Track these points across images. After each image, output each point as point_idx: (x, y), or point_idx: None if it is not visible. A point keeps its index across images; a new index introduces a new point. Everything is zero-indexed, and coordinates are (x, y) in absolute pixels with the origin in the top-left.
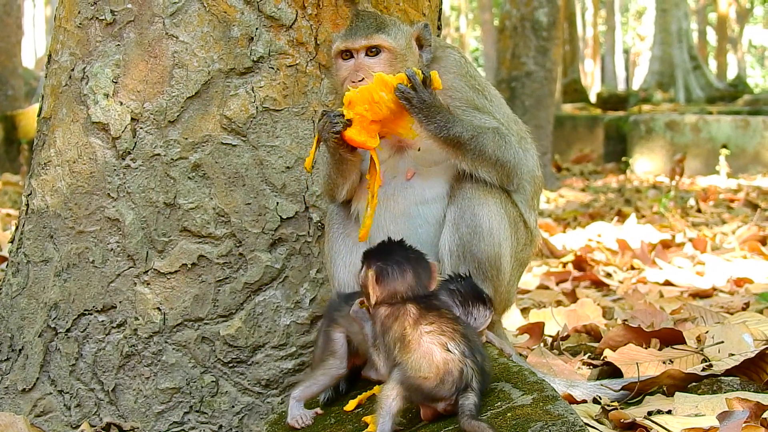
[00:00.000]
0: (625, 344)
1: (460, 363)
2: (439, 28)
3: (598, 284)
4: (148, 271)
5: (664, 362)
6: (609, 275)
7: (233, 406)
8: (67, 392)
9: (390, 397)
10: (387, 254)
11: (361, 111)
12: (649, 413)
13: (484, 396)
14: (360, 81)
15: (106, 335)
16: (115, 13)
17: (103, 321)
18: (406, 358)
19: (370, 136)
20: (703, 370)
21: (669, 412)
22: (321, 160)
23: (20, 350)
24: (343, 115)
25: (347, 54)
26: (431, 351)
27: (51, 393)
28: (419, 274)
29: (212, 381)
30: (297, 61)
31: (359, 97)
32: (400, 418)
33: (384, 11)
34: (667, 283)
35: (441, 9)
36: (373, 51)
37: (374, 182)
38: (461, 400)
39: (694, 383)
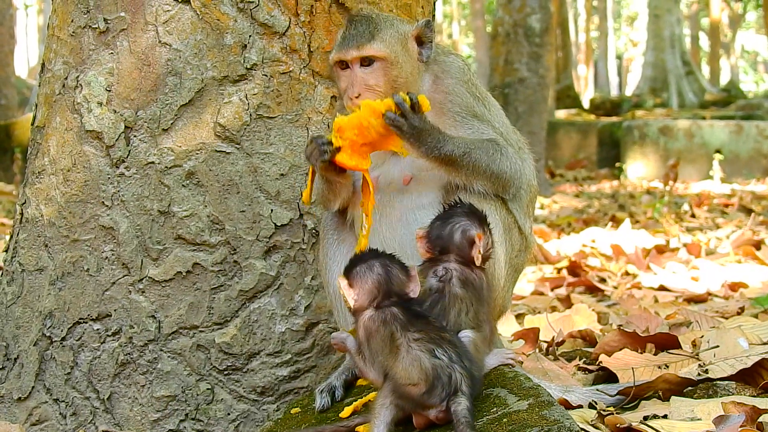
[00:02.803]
0: (620, 349)
1: (448, 369)
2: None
3: (592, 290)
4: (142, 279)
5: (659, 367)
6: (603, 281)
7: (229, 414)
8: (63, 401)
9: (383, 406)
10: (355, 260)
11: (350, 136)
12: (645, 418)
13: (475, 400)
14: (357, 97)
15: (102, 343)
16: (108, 22)
17: (98, 329)
18: (394, 364)
19: (362, 158)
20: (699, 374)
21: (665, 416)
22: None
23: (15, 359)
24: (332, 143)
25: (344, 64)
26: (419, 358)
27: (46, 402)
28: (389, 268)
29: (207, 389)
30: (290, 69)
31: (348, 124)
32: (393, 427)
33: None
34: (662, 288)
35: (434, 15)
36: (366, 61)
37: (368, 202)
38: (453, 407)
39: (689, 387)
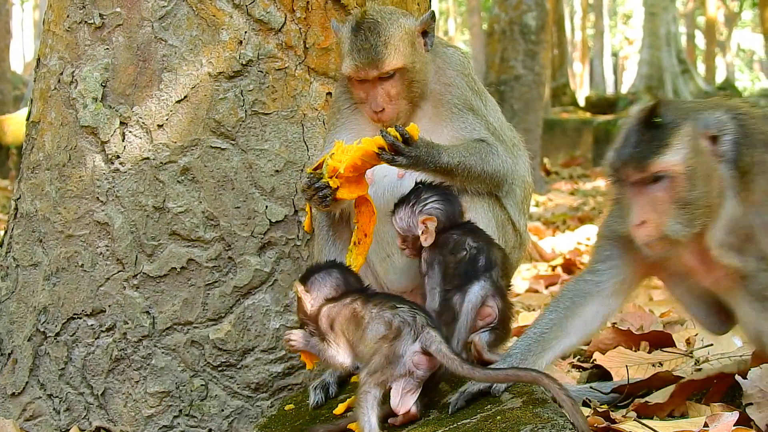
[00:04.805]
0: (614, 347)
1: (410, 313)
2: None
3: None
4: (137, 274)
5: (653, 365)
6: None
7: (222, 410)
8: (57, 396)
9: (367, 392)
10: (313, 269)
11: (346, 174)
12: (639, 416)
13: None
14: (381, 111)
15: (96, 339)
16: (104, 17)
17: (92, 325)
18: (363, 332)
19: (360, 184)
20: (693, 372)
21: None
22: None
23: (9, 354)
24: (329, 186)
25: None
26: (381, 315)
27: (40, 397)
28: (345, 273)
29: (201, 385)
30: (286, 65)
31: (343, 165)
32: (380, 409)
33: None
34: (656, 286)
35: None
36: (386, 74)
37: (369, 223)
38: (431, 347)
39: None
